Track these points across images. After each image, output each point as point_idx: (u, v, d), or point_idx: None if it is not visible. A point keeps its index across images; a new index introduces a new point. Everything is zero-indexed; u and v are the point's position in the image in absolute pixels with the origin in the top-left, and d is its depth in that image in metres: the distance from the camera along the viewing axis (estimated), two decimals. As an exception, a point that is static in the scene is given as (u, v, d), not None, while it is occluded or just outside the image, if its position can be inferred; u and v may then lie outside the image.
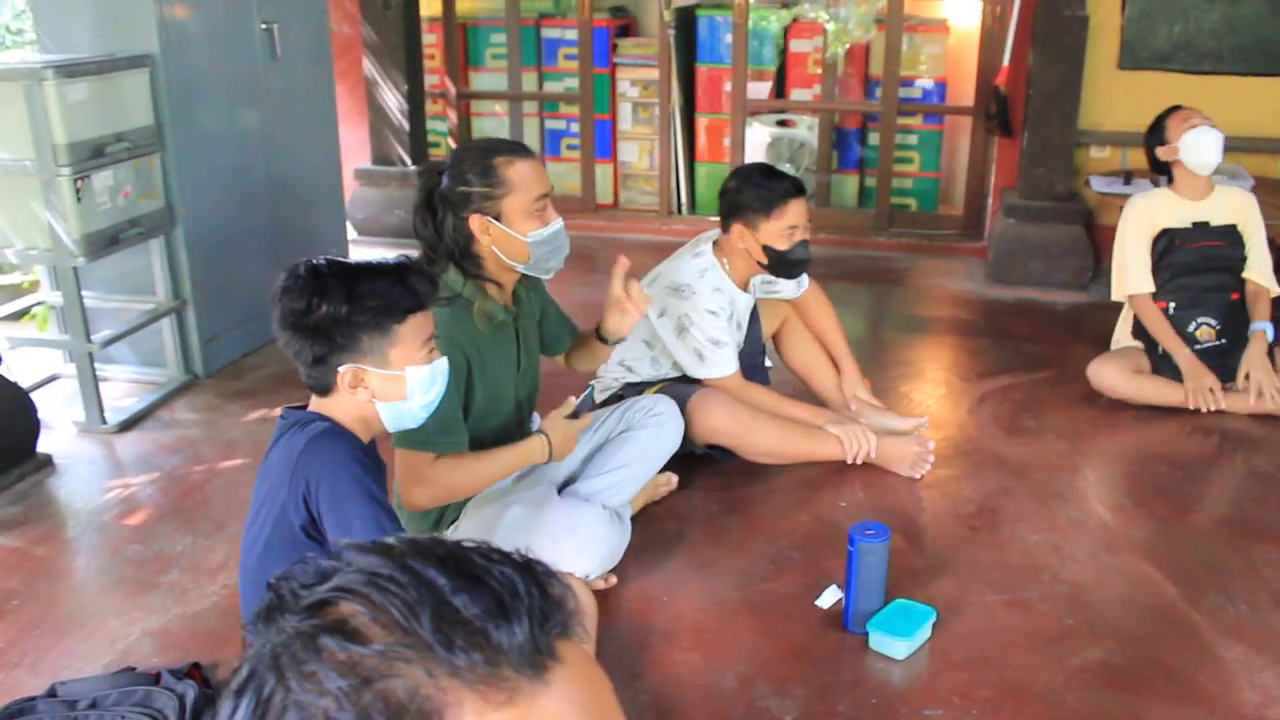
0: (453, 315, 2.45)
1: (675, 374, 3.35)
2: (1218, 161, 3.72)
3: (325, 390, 1.96)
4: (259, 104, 4.28)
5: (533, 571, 0.62)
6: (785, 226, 3.16)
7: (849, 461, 3.31)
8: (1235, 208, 3.83)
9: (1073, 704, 2.36)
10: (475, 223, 2.48)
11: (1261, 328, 3.75)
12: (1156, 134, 3.79)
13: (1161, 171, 3.85)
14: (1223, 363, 3.78)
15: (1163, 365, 3.80)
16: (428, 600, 0.58)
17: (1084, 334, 4.41)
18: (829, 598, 2.68)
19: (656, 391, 3.21)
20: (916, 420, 3.55)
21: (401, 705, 0.55)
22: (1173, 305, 3.80)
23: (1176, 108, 3.80)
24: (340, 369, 1.91)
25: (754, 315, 3.47)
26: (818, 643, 2.53)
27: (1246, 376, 3.73)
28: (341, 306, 1.86)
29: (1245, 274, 3.82)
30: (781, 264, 3.23)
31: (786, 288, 3.56)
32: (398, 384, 1.96)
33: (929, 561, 2.86)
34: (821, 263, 5.43)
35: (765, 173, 3.26)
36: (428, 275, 1.99)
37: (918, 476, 3.31)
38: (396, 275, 1.93)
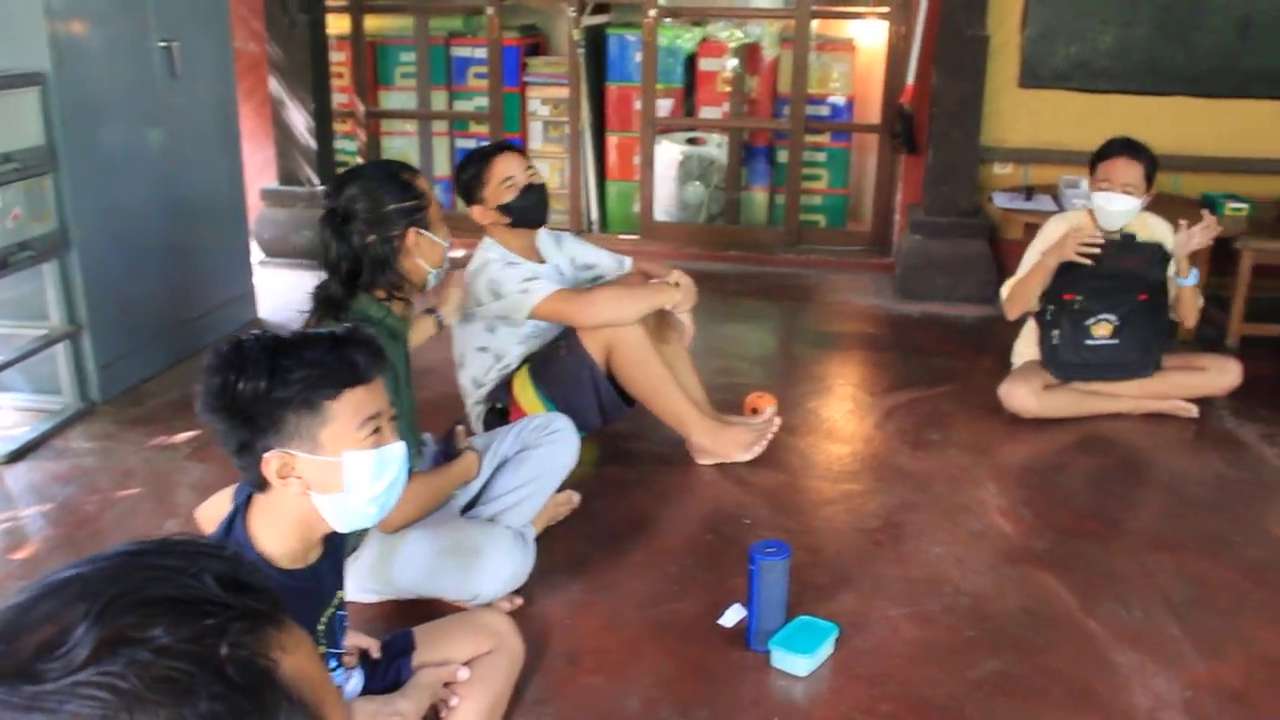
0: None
1: (537, 340, 3.43)
2: (1119, 226, 3.79)
3: (259, 485, 1.71)
4: (159, 123, 4.19)
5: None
6: (499, 182, 3.31)
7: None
8: (1151, 231, 3.90)
9: (972, 715, 2.39)
10: (409, 236, 2.60)
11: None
12: (1092, 166, 3.85)
13: None
14: (1111, 361, 3.86)
15: (1052, 358, 3.89)
16: None
17: (989, 347, 4.48)
18: (732, 616, 2.68)
19: (532, 367, 3.35)
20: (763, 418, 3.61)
21: None
22: (1079, 298, 3.84)
23: (1112, 152, 3.78)
24: (266, 455, 1.65)
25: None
26: (721, 662, 2.53)
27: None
28: (262, 381, 1.62)
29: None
30: (519, 213, 3.35)
31: (605, 267, 3.63)
32: (333, 472, 1.68)
33: (833, 577, 2.88)
34: (731, 279, 5.50)
35: (477, 151, 3.49)
36: (371, 345, 1.74)
37: (750, 458, 3.44)
38: (330, 344, 1.68)
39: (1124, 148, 3.75)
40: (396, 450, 1.77)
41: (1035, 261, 3.83)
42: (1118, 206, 3.73)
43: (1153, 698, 2.45)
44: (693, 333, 3.48)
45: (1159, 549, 3.09)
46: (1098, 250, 3.71)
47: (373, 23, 6.30)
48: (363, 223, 2.54)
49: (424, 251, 2.64)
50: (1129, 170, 3.72)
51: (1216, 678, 2.53)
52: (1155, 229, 3.90)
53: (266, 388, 1.62)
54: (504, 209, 3.34)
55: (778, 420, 3.55)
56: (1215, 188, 5.20)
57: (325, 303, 2.54)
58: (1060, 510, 3.32)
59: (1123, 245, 3.80)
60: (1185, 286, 3.85)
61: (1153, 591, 2.87)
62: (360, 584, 2.60)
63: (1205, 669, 2.56)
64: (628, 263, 3.65)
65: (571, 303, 3.29)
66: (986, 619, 2.73)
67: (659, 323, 3.49)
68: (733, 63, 6.05)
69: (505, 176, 3.31)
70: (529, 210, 3.36)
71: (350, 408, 1.68)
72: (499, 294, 3.28)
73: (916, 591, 2.83)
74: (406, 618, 2.50)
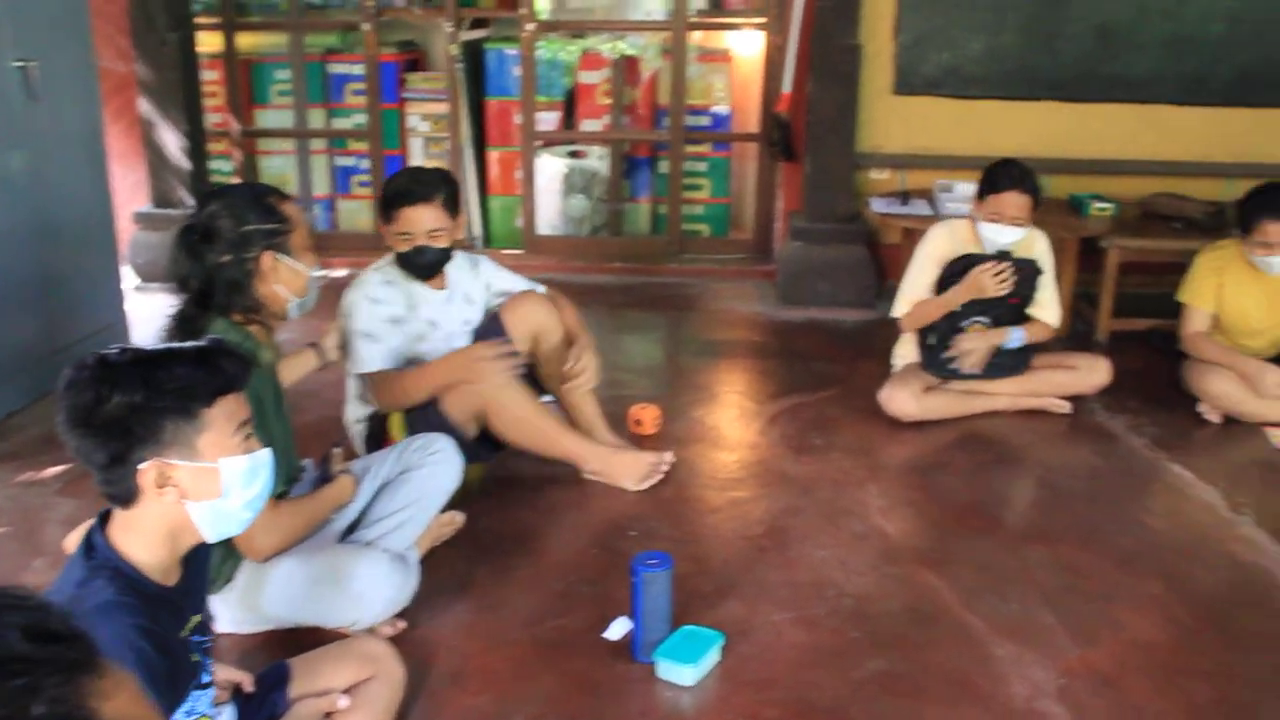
0: None
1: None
2: (999, 248, 3.89)
3: (127, 499, 1.69)
4: (19, 147, 4.04)
5: None
6: (398, 231, 3.24)
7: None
8: (1028, 244, 3.98)
9: (857, 716, 2.42)
10: (266, 260, 2.54)
11: (1010, 330, 3.95)
12: (981, 193, 3.90)
13: None
14: (987, 361, 3.96)
15: (931, 361, 3.98)
16: None
17: (870, 350, 4.55)
18: (618, 629, 2.67)
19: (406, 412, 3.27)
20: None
21: None
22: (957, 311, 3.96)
23: (1001, 186, 3.82)
24: (141, 466, 1.65)
25: (497, 327, 3.42)
26: (607, 676, 2.52)
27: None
28: (137, 394, 1.62)
29: (1031, 311, 4.01)
30: (403, 263, 3.30)
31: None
32: (211, 479, 1.71)
33: (717, 585, 2.89)
34: (616, 291, 5.51)
35: (406, 174, 3.43)
36: (237, 355, 1.77)
37: (643, 488, 3.40)
38: (199, 356, 1.71)
39: (1014, 183, 3.80)
40: (265, 455, 1.81)
41: (946, 298, 3.91)
42: (1007, 239, 3.84)
43: (1030, 687, 2.51)
44: (594, 381, 3.48)
45: (1035, 541, 3.17)
46: (1011, 279, 3.83)
47: (246, 40, 6.17)
48: (220, 242, 2.50)
49: (283, 278, 2.59)
50: (1018, 204, 3.81)
51: (1089, 664, 2.60)
52: (1034, 244, 3.99)
53: (143, 399, 1.63)
54: (396, 253, 3.28)
55: (670, 457, 3.53)
56: (1081, 189, 5.36)
57: (180, 323, 2.48)
58: (940, 508, 3.38)
59: (1001, 260, 3.89)
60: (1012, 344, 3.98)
61: (1029, 583, 2.94)
62: (231, 615, 2.53)
63: (1079, 656, 2.63)
64: (541, 290, 3.56)
65: (378, 388, 3.24)
66: (870, 619, 2.76)
67: (564, 350, 3.47)
68: (614, 75, 6.06)
69: (404, 230, 3.22)
70: (412, 268, 3.29)
71: (225, 414, 1.71)
72: (349, 318, 3.24)
73: (801, 595, 2.86)
74: (285, 648, 2.44)
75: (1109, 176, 5.48)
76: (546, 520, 3.26)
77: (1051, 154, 5.51)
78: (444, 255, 3.29)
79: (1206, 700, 2.49)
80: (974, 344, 3.91)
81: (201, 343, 1.76)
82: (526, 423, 3.31)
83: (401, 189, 3.26)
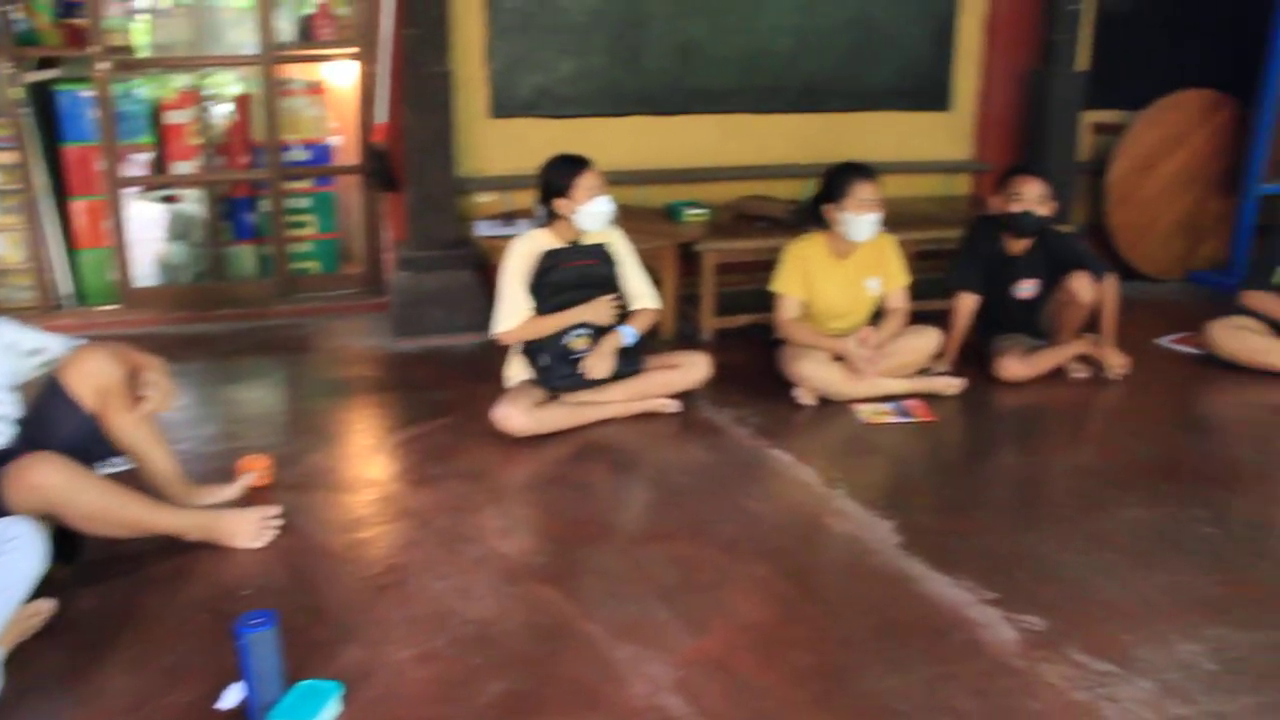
0: None
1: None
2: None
3: None
4: None
5: None
6: None
7: None
8: (605, 237, 4.16)
9: (481, 742, 2.40)
10: None
11: (621, 330, 4.12)
12: (556, 186, 4.04)
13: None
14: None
15: (545, 379, 4.05)
16: None
17: (486, 374, 4.55)
18: (231, 697, 2.52)
19: None
20: (239, 484, 3.50)
21: None
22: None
23: (578, 167, 4.05)
24: None
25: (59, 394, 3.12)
26: (216, 749, 2.38)
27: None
28: None
29: (633, 305, 4.16)
30: None
31: (53, 350, 3.22)
32: None
33: (336, 632, 2.79)
34: (225, 339, 5.26)
35: None
36: None
37: (260, 545, 3.23)
38: None
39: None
40: None
41: (562, 317, 4.06)
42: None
43: (649, 684, 2.58)
44: (169, 403, 3.24)
45: (650, 541, 3.28)
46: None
47: None
48: None
49: None
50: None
51: (704, 652, 2.71)
52: (609, 234, 4.19)
53: None
54: None
55: (276, 510, 3.37)
56: (677, 197, 5.64)
57: None
58: (558, 522, 3.43)
59: (576, 251, 4.07)
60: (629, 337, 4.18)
61: (645, 583, 3.03)
62: None
63: (694, 646, 2.73)
64: (78, 343, 3.28)
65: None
66: (492, 643, 2.75)
67: (130, 390, 3.21)
68: (203, 113, 5.78)
69: None
70: None
71: None
72: None
73: (421, 630, 2.81)
74: None
75: (701, 184, 5.80)
76: (152, 593, 3.02)
77: (646, 166, 5.77)
78: None
79: (808, 666, 2.65)
80: (597, 360, 4.03)
81: None
82: (105, 515, 2.99)
83: None
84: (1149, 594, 3.02)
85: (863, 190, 4.32)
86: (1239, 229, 6.43)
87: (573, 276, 4.09)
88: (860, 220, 4.30)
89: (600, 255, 4.17)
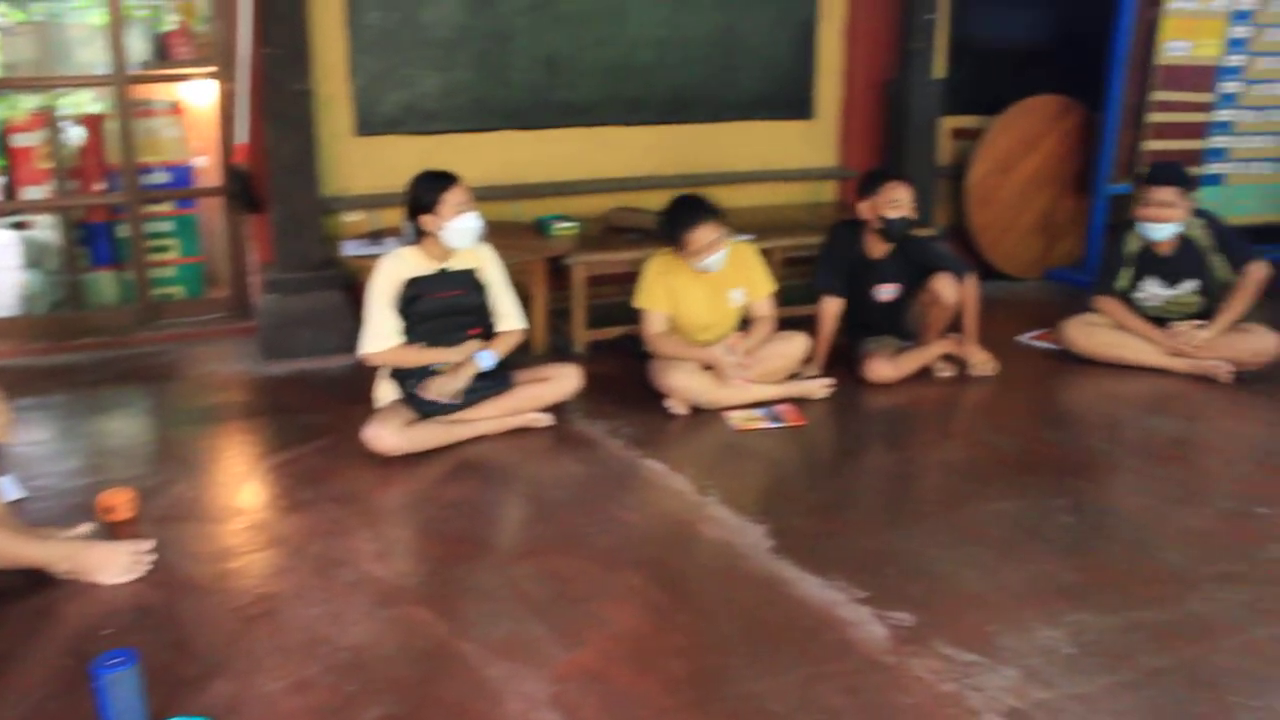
0: None
1: None
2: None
3: None
4: None
5: None
6: None
7: None
8: (474, 259, 4.14)
9: (355, 770, 2.37)
10: None
11: (478, 357, 4.08)
12: (423, 202, 3.99)
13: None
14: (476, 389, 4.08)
15: (415, 403, 4.02)
16: None
17: (358, 395, 4.47)
18: (82, 739, 2.45)
19: None
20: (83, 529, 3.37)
21: None
22: (420, 344, 4.04)
23: (445, 183, 4.01)
24: None
25: None
26: (76, 794, 2.31)
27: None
28: None
29: (498, 327, 4.15)
30: None
31: None
32: None
33: (204, 667, 2.72)
34: (86, 370, 5.10)
35: None
36: None
37: (125, 580, 3.14)
38: None
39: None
40: None
41: (431, 354, 4.04)
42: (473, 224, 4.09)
43: (525, 701, 2.57)
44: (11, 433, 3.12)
45: (524, 557, 3.28)
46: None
47: None
48: None
49: None
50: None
51: (579, 665, 2.71)
52: (480, 257, 4.16)
53: None
54: None
55: (147, 545, 3.28)
56: (547, 211, 5.65)
57: None
58: (432, 542, 3.41)
59: (443, 278, 4.04)
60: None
61: (519, 599, 3.02)
62: None
63: (568, 659, 2.74)
64: None
65: None
66: (366, 668, 2.72)
67: None
68: (55, 135, 5.60)
69: None
70: None
71: None
72: None
73: (293, 659, 2.76)
74: None
75: (570, 197, 5.82)
76: (5, 639, 2.92)
77: (515, 180, 5.77)
78: None
79: (682, 673, 2.68)
80: (446, 382, 4.00)
81: None
82: None
83: None
84: (1012, 584, 3.13)
85: (701, 236, 4.32)
86: (1092, 228, 6.69)
87: (439, 307, 4.06)
88: (707, 262, 4.36)
89: (468, 284, 4.12)
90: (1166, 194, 4.83)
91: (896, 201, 4.66)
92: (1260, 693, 2.62)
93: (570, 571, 3.17)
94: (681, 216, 4.34)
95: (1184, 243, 4.95)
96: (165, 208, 5.81)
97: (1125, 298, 5.08)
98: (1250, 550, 3.35)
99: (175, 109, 5.84)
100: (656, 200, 5.88)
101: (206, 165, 5.91)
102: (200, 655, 2.79)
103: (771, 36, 6.30)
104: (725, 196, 6.21)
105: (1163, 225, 4.87)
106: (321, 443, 4.15)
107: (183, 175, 5.81)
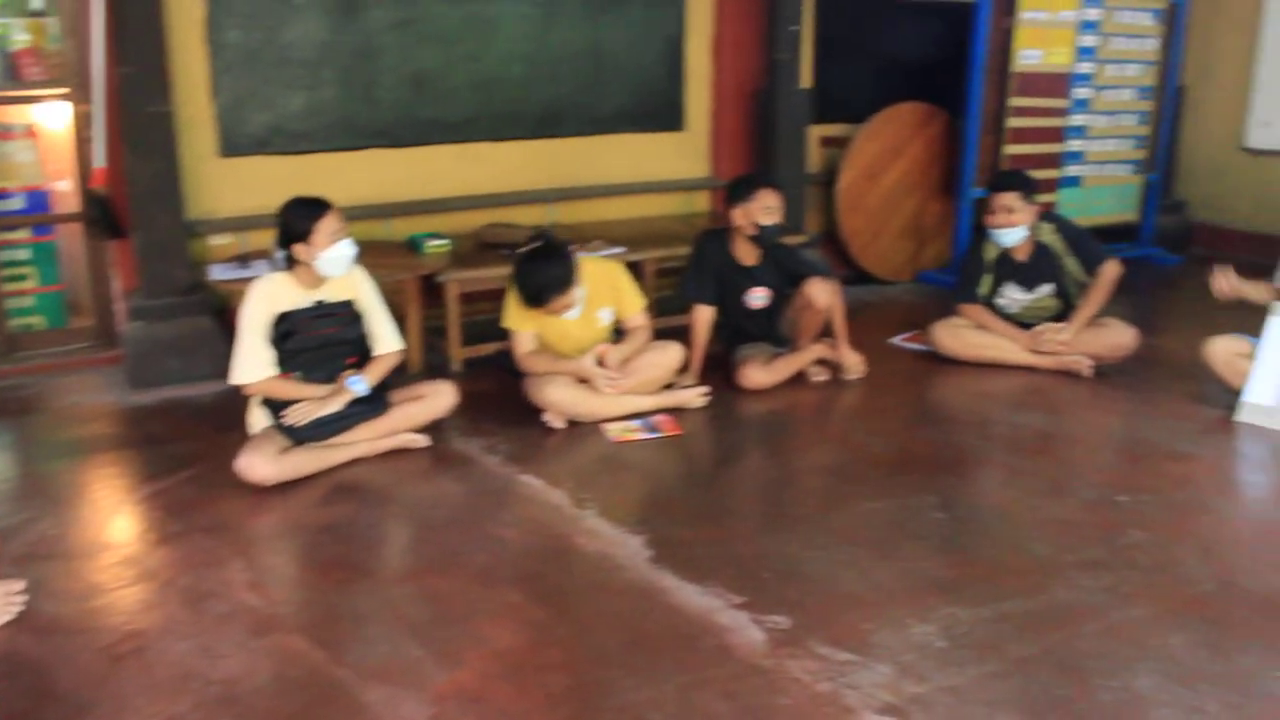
0: None
1: None
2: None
3: None
4: None
5: None
6: None
7: None
8: (349, 285, 4.08)
9: (228, 807, 2.32)
10: None
11: (349, 383, 4.03)
12: (295, 231, 3.93)
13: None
14: (341, 415, 4.03)
15: (287, 431, 3.96)
16: None
17: (231, 422, 4.38)
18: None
19: None
20: None
21: None
22: (297, 375, 3.99)
23: (317, 211, 3.95)
24: None
25: None
26: None
27: None
28: None
29: (374, 351, 4.10)
30: None
31: None
32: None
33: (68, 711, 2.64)
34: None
35: None
36: None
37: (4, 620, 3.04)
38: None
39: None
40: None
41: (302, 389, 3.98)
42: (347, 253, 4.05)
43: (403, 725, 2.56)
44: None
45: (401, 578, 3.25)
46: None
47: None
48: None
49: None
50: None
51: (458, 685, 2.70)
52: (355, 284, 4.11)
53: None
54: None
55: (19, 585, 3.15)
56: (419, 228, 5.61)
57: None
58: (307, 568, 3.36)
59: (318, 310, 4.01)
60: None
61: (396, 621, 3.00)
62: None
63: (447, 680, 2.72)
64: None
65: None
66: (239, 701, 2.66)
67: None
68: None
69: None
70: None
71: None
72: None
73: (163, 696, 2.69)
74: None
75: (443, 214, 5.79)
76: None
77: (386, 199, 5.72)
78: None
79: (562, 688, 2.69)
80: (313, 407, 3.94)
81: None
82: None
83: None
84: (886, 582, 3.21)
85: (558, 303, 4.32)
86: (958, 230, 6.89)
87: (314, 341, 4.00)
88: (565, 315, 4.41)
89: (346, 317, 4.07)
90: (1008, 199, 5.02)
91: (770, 208, 4.74)
92: (1118, 673, 2.73)
93: (448, 591, 3.15)
94: (535, 282, 4.27)
95: (1038, 248, 5.14)
96: (21, 235, 5.61)
97: (988, 304, 5.25)
98: (1111, 537, 3.49)
99: (29, 132, 5.64)
100: (529, 216, 5.93)
101: (66, 190, 5.72)
102: (65, 698, 2.70)
103: (640, 50, 6.36)
104: (598, 210, 6.28)
105: (1009, 230, 5.05)
106: (192, 472, 4.05)
107: (39, 201, 5.62)
